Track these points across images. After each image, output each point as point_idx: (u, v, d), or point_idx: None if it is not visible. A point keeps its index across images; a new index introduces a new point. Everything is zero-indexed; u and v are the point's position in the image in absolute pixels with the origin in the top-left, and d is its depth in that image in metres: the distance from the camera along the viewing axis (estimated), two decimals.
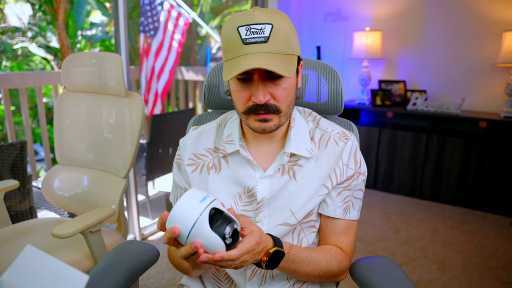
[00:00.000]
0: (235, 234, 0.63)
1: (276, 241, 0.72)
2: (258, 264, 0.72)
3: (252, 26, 0.68)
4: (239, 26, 0.69)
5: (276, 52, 0.69)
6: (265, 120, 0.74)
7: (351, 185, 0.84)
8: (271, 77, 0.72)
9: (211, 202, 0.62)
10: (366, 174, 0.87)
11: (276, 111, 0.74)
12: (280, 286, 0.86)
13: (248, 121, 0.77)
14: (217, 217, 0.62)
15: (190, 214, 0.60)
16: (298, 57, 0.77)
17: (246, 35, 0.68)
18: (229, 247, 0.62)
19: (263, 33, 0.68)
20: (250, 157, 0.82)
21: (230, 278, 0.86)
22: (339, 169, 0.82)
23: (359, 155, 0.85)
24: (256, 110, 0.74)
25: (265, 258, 0.70)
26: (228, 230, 0.62)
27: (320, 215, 0.86)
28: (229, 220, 0.63)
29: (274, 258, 0.70)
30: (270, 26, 0.68)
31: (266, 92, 0.72)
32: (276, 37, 0.69)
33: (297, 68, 0.78)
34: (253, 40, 0.68)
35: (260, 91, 0.71)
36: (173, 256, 0.87)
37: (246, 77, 0.72)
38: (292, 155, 0.82)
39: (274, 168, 0.82)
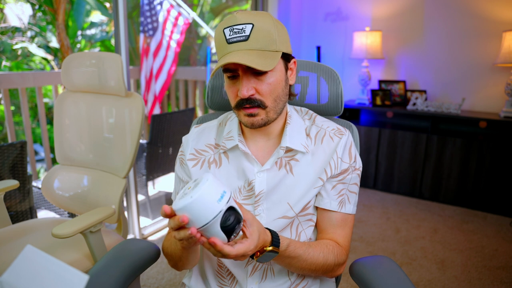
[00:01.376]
0: (235, 220, 0.64)
1: (274, 239, 0.73)
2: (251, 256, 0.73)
3: (234, 27, 0.74)
4: (224, 28, 0.75)
5: (256, 49, 0.74)
6: (252, 115, 0.79)
7: (346, 179, 0.87)
8: (254, 72, 0.76)
9: (227, 202, 0.62)
10: (361, 169, 0.90)
11: (261, 105, 0.78)
12: (281, 282, 0.88)
13: (239, 116, 0.82)
14: (228, 215, 0.63)
15: (206, 213, 0.60)
16: (290, 54, 0.82)
17: (229, 35, 0.75)
18: (230, 232, 0.64)
19: (244, 32, 0.74)
20: (248, 151, 0.85)
21: (232, 274, 0.88)
22: (333, 162, 0.85)
23: (354, 150, 0.88)
24: (242, 104, 0.78)
25: (258, 254, 0.72)
26: (236, 230, 0.64)
27: (316, 209, 0.89)
28: (238, 219, 0.64)
29: (266, 256, 0.73)
30: (251, 25, 0.74)
31: (250, 87, 0.76)
32: (256, 35, 0.74)
33: (287, 65, 0.82)
34: (235, 39, 0.74)
35: (244, 86, 0.76)
36: (167, 246, 0.87)
37: (234, 74, 0.78)
38: (288, 150, 0.86)
39: (271, 162, 0.85)
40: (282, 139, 0.85)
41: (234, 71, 0.77)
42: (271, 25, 0.76)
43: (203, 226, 0.61)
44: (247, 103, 0.77)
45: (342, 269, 0.89)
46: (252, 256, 0.73)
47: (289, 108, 0.90)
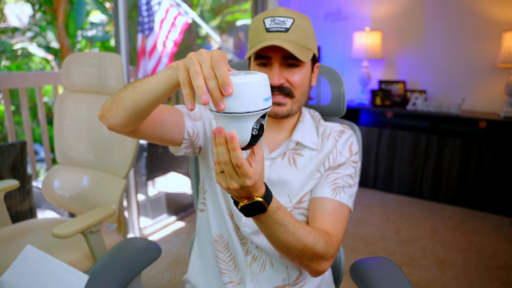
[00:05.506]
0: (261, 129, 0.57)
1: (267, 193, 0.65)
2: (236, 202, 0.66)
3: (276, 18, 0.79)
4: (265, 18, 0.80)
5: (294, 42, 0.78)
6: (279, 104, 0.82)
7: (340, 169, 0.87)
8: (287, 64, 0.80)
9: (267, 108, 0.55)
10: (358, 164, 0.91)
11: (290, 94, 0.82)
12: (279, 273, 0.89)
13: None
14: (259, 122, 0.57)
15: (249, 101, 0.53)
16: (314, 56, 0.86)
17: (270, 24, 0.79)
18: (253, 139, 0.57)
19: (285, 25, 0.78)
20: None
21: (236, 263, 0.90)
22: (332, 156, 0.87)
23: (356, 148, 0.90)
24: (271, 91, 0.78)
25: (246, 201, 0.63)
26: (252, 144, 0.58)
27: (310, 203, 0.87)
28: (259, 135, 0.57)
29: (253, 207, 0.64)
30: (292, 20, 0.79)
31: (282, 76, 0.80)
32: (295, 30, 0.79)
33: (313, 67, 0.87)
34: (275, 29, 0.78)
35: (276, 73, 0.79)
36: (115, 95, 0.71)
37: (265, 62, 0.81)
38: (297, 144, 0.88)
39: (278, 152, 0.87)
40: (294, 134, 0.88)
41: (267, 58, 0.80)
42: (308, 26, 0.82)
43: (239, 113, 0.53)
44: (277, 91, 0.81)
45: (329, 264, 0.77)
46: (236, 204, 0.66)
47: (303, 108, 0.94)
